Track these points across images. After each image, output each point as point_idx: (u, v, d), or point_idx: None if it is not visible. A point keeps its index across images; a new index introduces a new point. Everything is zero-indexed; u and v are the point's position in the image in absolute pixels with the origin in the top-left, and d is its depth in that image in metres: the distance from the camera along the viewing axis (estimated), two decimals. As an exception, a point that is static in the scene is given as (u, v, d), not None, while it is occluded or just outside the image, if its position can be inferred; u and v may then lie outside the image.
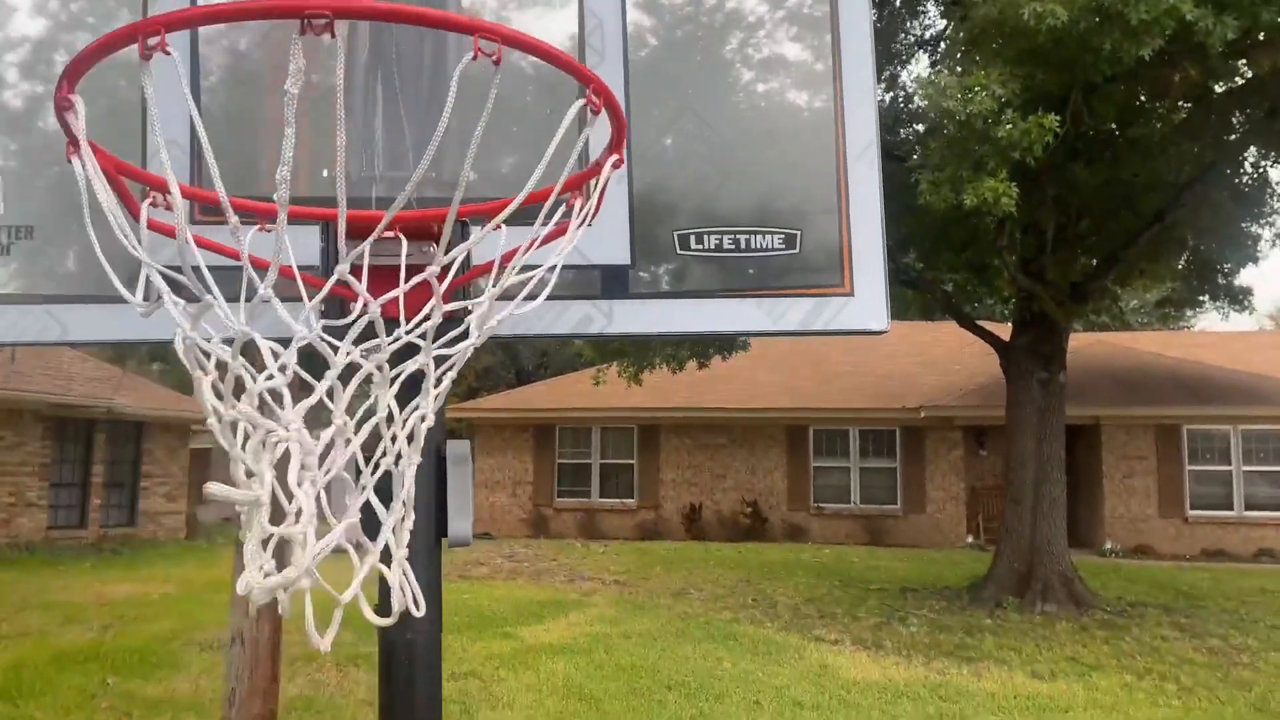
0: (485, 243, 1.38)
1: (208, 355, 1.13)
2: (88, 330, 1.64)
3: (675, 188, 1.56)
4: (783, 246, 1.71)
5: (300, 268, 1.40)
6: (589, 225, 1.34)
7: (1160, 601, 12.69)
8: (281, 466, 1.16)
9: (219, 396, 1.08)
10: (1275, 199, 12.42)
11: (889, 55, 12.80)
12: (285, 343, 1.15)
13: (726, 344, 14.68)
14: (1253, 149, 10.81)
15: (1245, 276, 17.95)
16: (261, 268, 1.18)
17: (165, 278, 1.23)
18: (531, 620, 10.59)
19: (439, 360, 1.25)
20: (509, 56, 1.20)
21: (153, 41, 1.04)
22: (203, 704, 6.91)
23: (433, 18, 1.16)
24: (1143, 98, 9.16)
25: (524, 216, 1.33)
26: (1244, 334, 27.79)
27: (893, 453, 20.69)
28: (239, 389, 1.07)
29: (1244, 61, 8.27)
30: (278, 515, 1.12)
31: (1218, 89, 8.47)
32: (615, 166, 1.31)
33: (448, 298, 1.34)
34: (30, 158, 1.63)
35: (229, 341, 1.10)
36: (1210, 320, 33.44)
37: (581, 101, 1.23)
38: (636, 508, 21.46)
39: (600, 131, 1.36)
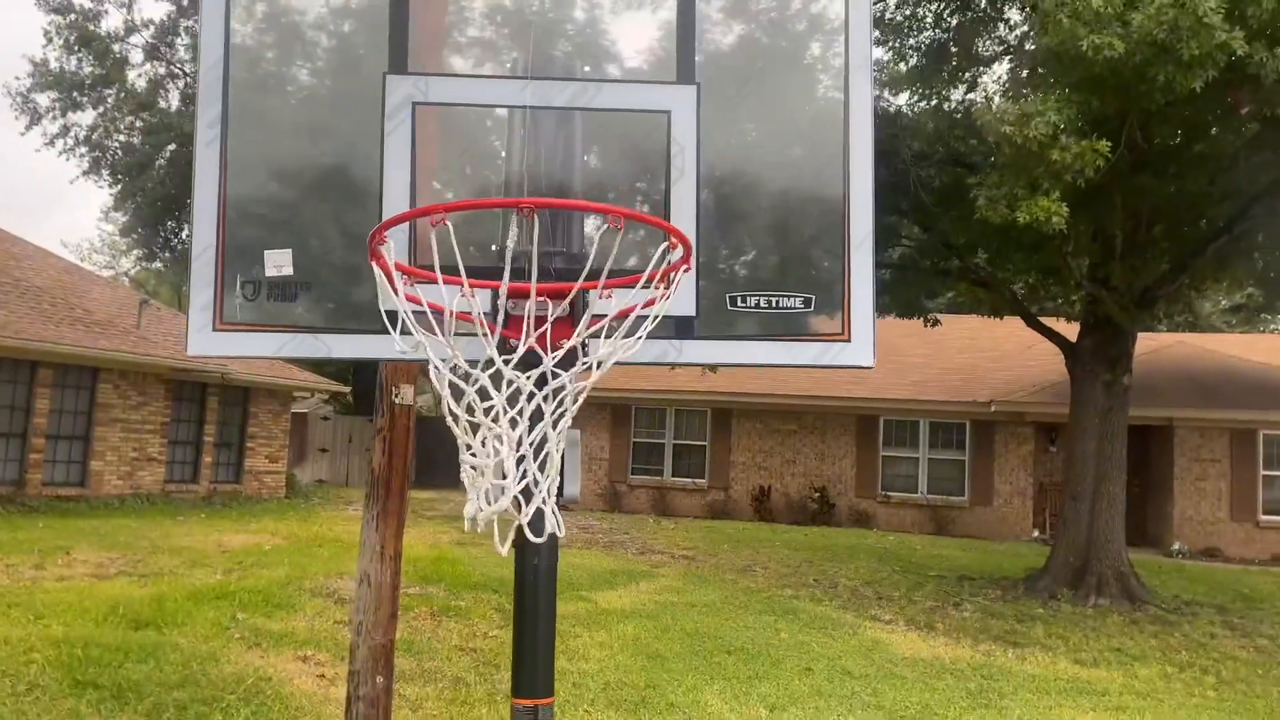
0: (600, 305, 2.13)
1: (460, 381, 1.91)
2: (343, 350, 2.44)
3: (728, 265, 2.27)
4: (802, 306, 2.43)
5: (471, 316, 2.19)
6: (666, 300, 2.08)
7: (1217, 602, 12.95)
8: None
9: (459, 407, 1.86)
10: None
11: (970, 58, 13.16)
12: (472, 366, 1.92)
13: (670, 363, 15.24)
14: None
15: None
16: (463, 319, 1.95)
17: (401, 322, 2.02)
18: (604, 586, 11.42)
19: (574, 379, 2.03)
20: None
21: (436, 218, 1.80)
22: (318, 639, 7.89)
23: (591, 208, 1.92)
24: (1206, 117, 9.46)
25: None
26: (1334, 339, 27.17)
27: (962, 445, 21.03)
28: (457, 397, 1.84)
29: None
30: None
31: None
32: (685, 271, 2.06)
33: (572, 339, 2.10)
34: (312, 236, 2.42)
35: (461, 370, 1.88)
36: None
37: (667, 244, 1.97)
38: (707, 487, 22.21)
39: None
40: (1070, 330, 13.90)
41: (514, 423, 1.88)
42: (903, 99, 12.57)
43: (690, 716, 6.61)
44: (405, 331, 1.95)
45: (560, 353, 2.00)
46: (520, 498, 1.96)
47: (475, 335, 2.09)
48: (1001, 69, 13.31)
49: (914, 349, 22.67)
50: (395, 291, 2.00)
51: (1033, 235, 10.51)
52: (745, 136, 2.49)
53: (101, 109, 28.25)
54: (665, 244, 2.01)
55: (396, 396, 5.28)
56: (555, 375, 1.98)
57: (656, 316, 2.05)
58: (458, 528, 16.95)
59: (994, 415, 20.35)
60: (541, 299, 2.03)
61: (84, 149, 28.44)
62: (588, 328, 2.06)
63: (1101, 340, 12.72)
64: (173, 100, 29.53)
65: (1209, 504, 19.14)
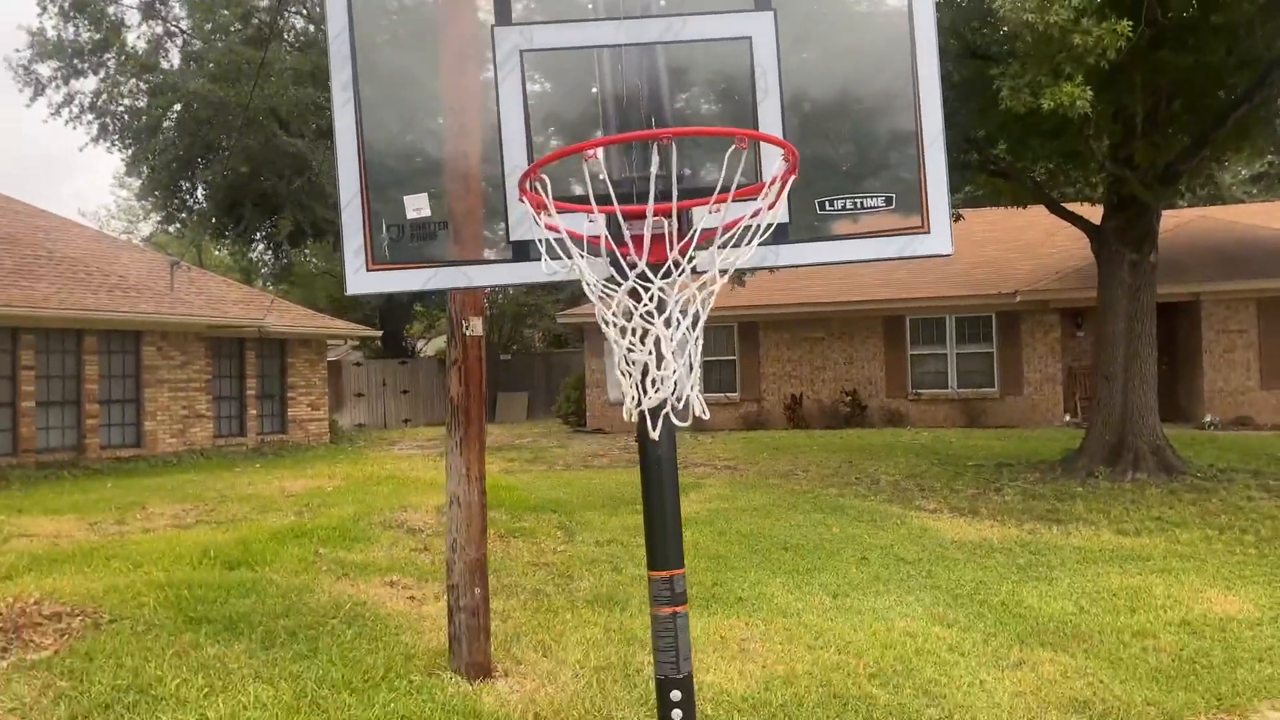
0: (710, 219, 2.41)
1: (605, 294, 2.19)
2: (483, 279, 2.72)
3: (815, 172, 2.51)
4: (884, 205, 2.68)
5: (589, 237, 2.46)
6: (774, 209, 2.34)
7: (1252, 467, 13.28)
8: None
9: (615, 314, 2.14)
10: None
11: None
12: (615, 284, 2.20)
13: (769, 266, 15.41)
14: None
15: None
16: (593, 243, 2.22)
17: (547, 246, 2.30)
18: (657, 499, 11.87)
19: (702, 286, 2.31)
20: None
21: (590, 154, 2.06)
22: (400, 566, 8.35)
23: (721, 133, 2.18)
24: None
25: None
26: (1358, 201, 26.95)
27: (989, 338, 21.26)
28: (626, 310, 2.13)
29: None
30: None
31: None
32: (794, 179, 2.31)
33: (685, 253, 2.38)
34: (447, 180, 2.69)
35: (613, 282, 2.16)
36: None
37: (782, 155, 2.22)
38: (740, 400, 22.61)
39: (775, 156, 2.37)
40: (1093, 214, 13.99)
41: (667, 323, 2.17)
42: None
43: (759, 608, 7.02)
44: (555, 256, 2.23)
45: (692, 262, 2.26)
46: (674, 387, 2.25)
47: (598, 257, 2.36)
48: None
49: (935, 246, 22.72)
50: (543, 223, 2.27)
51: (1054, 121, 10.56)
52: (819, 52, 2.70)
53: (103, 74, 28.21)
54: (775, 159, 2.26)
55: (467, 329, 5.58)
56: (688, 280, 2.25)
57: (770, 225, 2.32)
58: (503, 457, 17.45)
59: (1019, 305, 20.53)
60: (658, 218, 2.29)
61: (90, 116, 28.49)
62: (701, 239, 2.32)
63: (1126, 220, 12.82)
64: (174, 59, 29.43)
65: (1238, 374, 19.35)
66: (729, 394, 22.78)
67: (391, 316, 34.36)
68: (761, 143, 2.32)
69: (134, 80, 28.53)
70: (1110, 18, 7.78)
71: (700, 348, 2.37)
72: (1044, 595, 7.36)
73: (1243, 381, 19.34)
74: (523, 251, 2.52)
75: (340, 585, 7.66)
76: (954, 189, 14.90)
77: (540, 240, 2.31)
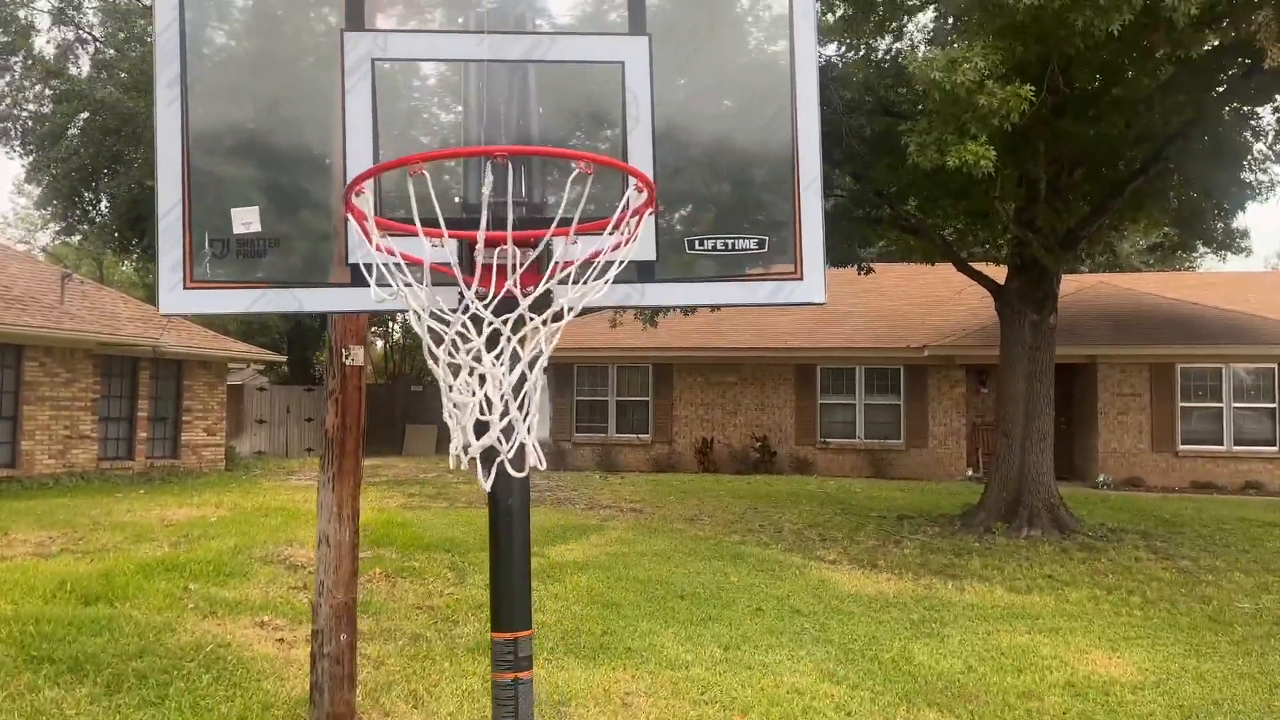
0: (561, 249, 2.22)
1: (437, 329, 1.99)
2: (316, 304, 2.48)
3: (685, 210, 2.37)
4: (756, 247, 2.54)
5: (447, 266, 2.26)
6: (633, 243, 2.17)
7: (1141, 528, 13.60)
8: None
9: (439, 349, 1.94)
10: (1266, 147, 13.00)
11: (895, 7, 13.32)
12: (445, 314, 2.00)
13: (634, 306, 15.45)
14: (1233, 104, 11.40)
15: (1244, 220, 18.52)
16: (435, 269, 2.02)
17: (377, 272, 2.09)
18: (556, 541, 11.58)
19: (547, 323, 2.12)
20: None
21: (415, 169, 1.86)
22: (274, 605, 7.91)
23: (563, 154, 2.00)
24: (1123, 61, 9.77)
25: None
26: (1242, 275, 28.31)
27: (897, 390, 21.58)
28: (437, 341, 1.93)
29: (1211, 32, 8.87)
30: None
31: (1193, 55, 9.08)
32: (650, 213, 2.14)
33: (527, 285, 2.20)
34: (278, 193, 2.46)
35: (439, 315, 1.96)
36: (1211, 262, 33.91)
37: (634, 186, 2.06)
38: (651, 442, 22.48)
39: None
40: (998, 274, 14.32)
41: (498, 360, 1.98)
42: (831, 49, 12.73)
43: (647, 660, 6.81)
44: (382, 283, 2.02)
45: (532, 297, 2.09)
46: (501, 435, 2.05)
47: (446, 285, 2.16)
48: (926, 18, 13.51)
49: (848, 297, 23.09)
50: (371, 242, 2.06)
51: (961, 180, 10.77)
52: (695, 84, 2.57)
53: (8, 78, 27.06)
54: (629, 190, 2.10)
55: (347, 357, 5.30)
56: (529, 318, 2.07)
57: (623, 261, 2.15)
58: (404, 491, 16.95)
59: (927, 359, 20.90)
60: (508, 248, 2.11)
61: (-10, 120, 27.25)
62: (555, 273, 2.14)
63: (1028, 282, 13.14)
64: (83, 66, 28.41)
65: (1131, 436, 19.96)
66: (640, 435, 22.64)
67: (300, 342, 33.46)
68: (629, 175, 2.17)
69: (40, 85, 27.44)
70: (1015, 82, 7.97)
71: (541, 390, 2.18)
72: (935, 652, 7.30)
73: (1135, 444, 19.95)
74: (361, 276, 2.31)
75: (206, 625, 7.21)
76: (865, 243, 15.17)
77: (381, 265, 2.10)
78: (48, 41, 28.09)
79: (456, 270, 2.06)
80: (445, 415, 2.04)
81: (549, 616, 8.00)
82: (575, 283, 2.15)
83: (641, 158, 2.37)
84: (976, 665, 6.98)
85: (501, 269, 2.08)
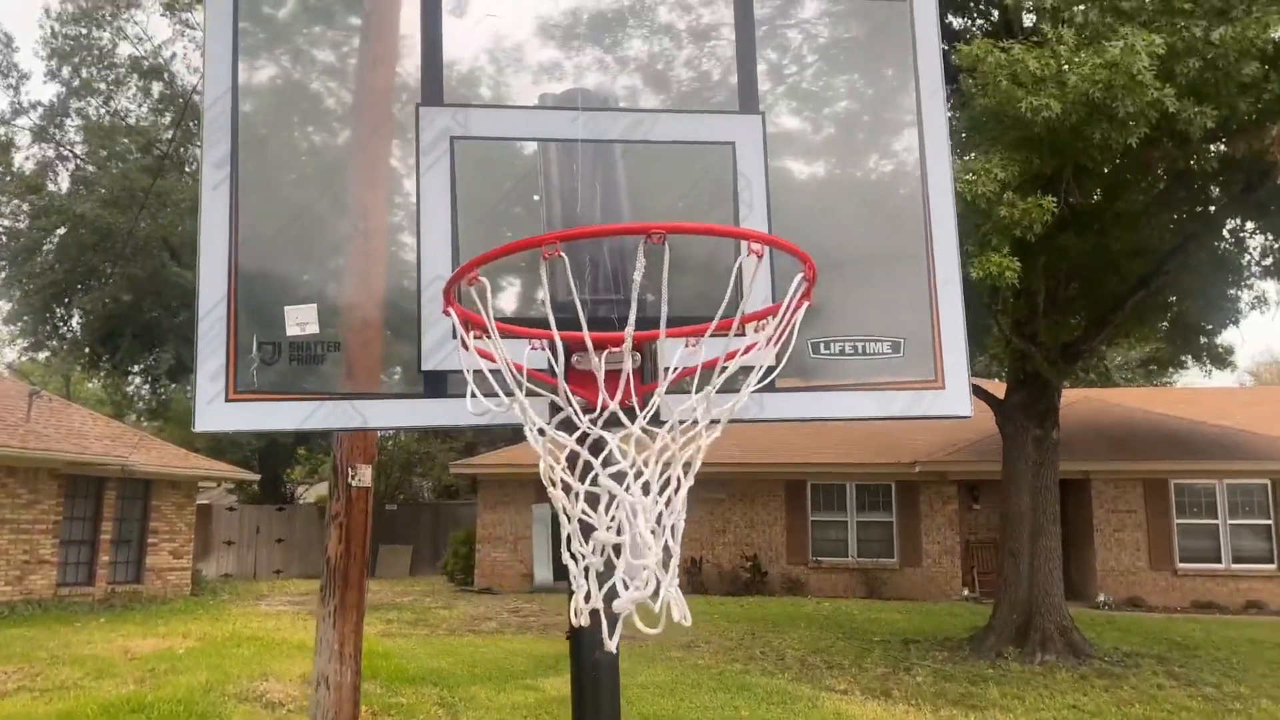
0: (671, 353, 1.88)
1: (556, 443, 1.61)
2: (382, 419, 2.10)
3: (810, 306, 2.05)
4: (891, 351, 2.22)
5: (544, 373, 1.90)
6: (779, 345, 1.85)
7: (1155, 652, 13.09)
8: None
9: (573, 476, 1.57)
10: (1253, 265, 13.11)
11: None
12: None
13: (751, 419, 15.17)
14: (1229, 220, 11.52)
15: (1226, 336, 18.64)
16: (534, 377, 1.66)
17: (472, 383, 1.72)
18: (549, 672, 10.89)
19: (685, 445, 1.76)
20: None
21: (549, 250, 1.54)
22: (253, 752, 7.21)
23: (716, 231, 1.70)
24: (1127, 175, 9.83)
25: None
26: (1226, 390, 28.50)
27: (889, 507, 21.13)
28: (585, 469, 1.55)
29: (1223, 144, 8.96)
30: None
31: (1195, 168, 9.15)
32: (807, 304, 1.83)
33: (650, 395, 1.84)
34: (341, 289, 2.11)
35: (567, 428, 1.59)
36: (1192, 377, 34.27)
37: (801, 275, 1.74)
38: (637, 562, 21.74)
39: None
40: (997, 389, 14.14)
41: (646, 489, 1.61)
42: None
43: (668, 810, 6.19)
44: (491, 393, 1.66)
45: (651, 410, 1.74)
46: (628, 579, 1.66)
47: (538, 395, 1.80)
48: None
49: (835, 413, 22.82)
50: (478, 349, 1.71)
51: (965, 292, 10.69)
52: (815, 166, 2.29)
53: (-15, 192, 26.92)
54: (800, 275, 1.77)
55: (353, 478, 4.88)
56: (657, 431, 1.71)
57: (768, 368, 1.81)
58: (381, 617, 16.11)
59: (918, 475, 20.54)
60: (616, 350, 1.77)
61: (-36, 234, 26.98)
62: (674, 379, 1.80)
63: (1029, 396, 12.95)
64: (62, 183, 28.38)
65: (1128, 554, 19.56)
66: (625, 556, 21.92)
67: (271, 459, 32.61)
68: (741, 273, 1.84)
69: (17, 200, 27.30)
70: (1035, 194, 7.91)
71: (679, 530, 1.80)
72: (974, 797, 6.73)
73: (1133, 562, 19.54)
74: (437, 385, 1.95)
75: (177, 776, 6.52)
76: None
77: (467, 370, 1.75)
78: (27, 158, 28.00)
79: (560, 378, 1.72)
80: (566, 556, 1.65)
81: (554, 760, 7.35)
82: (708, 391, 1.79)
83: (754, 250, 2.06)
84: (1024, 812, 6.41)
85: (613, 377, 1.73)
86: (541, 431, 1.66)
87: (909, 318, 2.24)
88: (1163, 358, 16.86)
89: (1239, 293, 13.56)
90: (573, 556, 1.68)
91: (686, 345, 1.82)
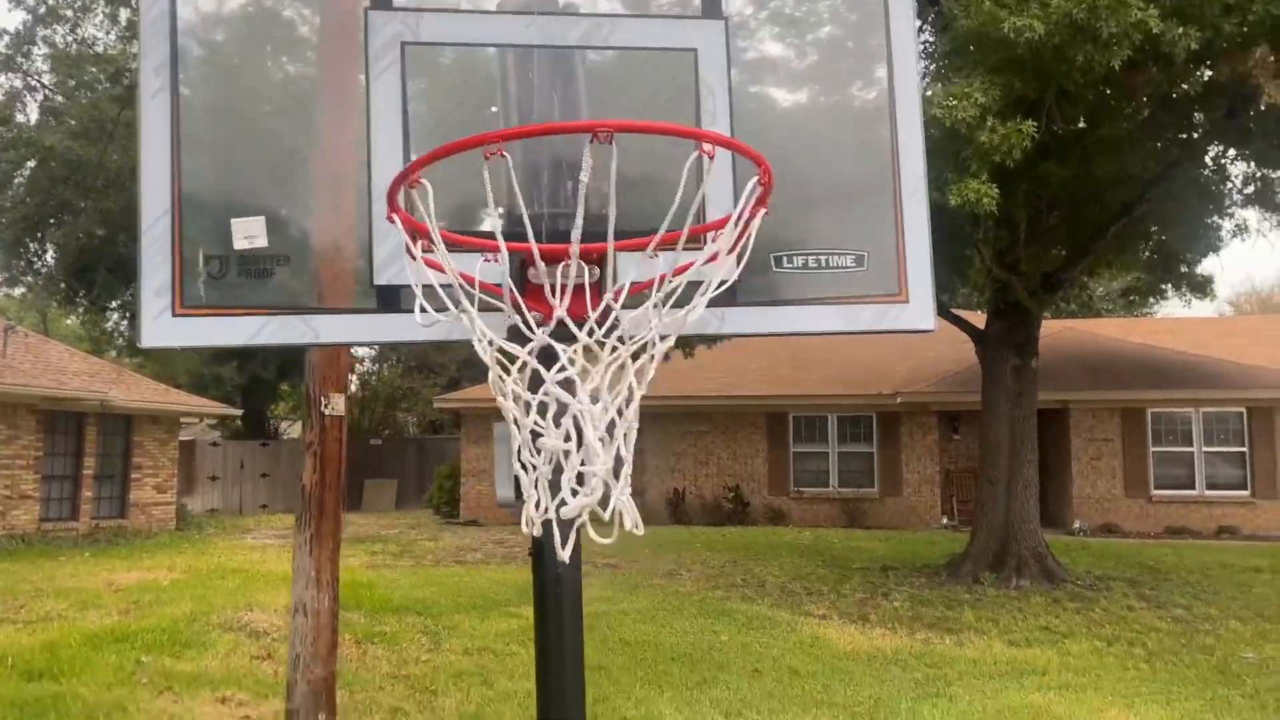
0: (630, 267, 1.84)
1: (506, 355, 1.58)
2: (334, 334, 2.06)
3: (771, 220, 2.00)
4: (854, 265, 2.18)
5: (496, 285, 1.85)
6: (735, 256, 1.80)
7: (1127, 575, 13.35)
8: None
9: (518, 385, 1.54)
10: (1235, 193, 13.09)
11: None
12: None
13: (712, 335, 15.16)
14: (1212, 147, 11.45)
15: (1206, 265, 18.73)
16: (486, 289, 1.62)
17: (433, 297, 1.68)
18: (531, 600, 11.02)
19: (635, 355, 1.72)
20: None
21: (490, 150, 1.48)
22: (237, 677, 7.30)
23: (666, 129, 1.63)
24: (1110, 100, 9.73)
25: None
26: (1204, 320, 28.71)
27: (870, 437, 21.32)
28: (535, 379, 1.52)
29: (1207, 68, 8.85)
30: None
31: (1178, 93, 9.06)
32: (764, 213, 1.77)
33: (608, 307, 1.81)
34: (289, 200, 2.05)
35: (519, 341, 1.55)
36: (1172, 307, 34.50)
37: (756, 179, 1.69)
38: (620, 494, 21.94)
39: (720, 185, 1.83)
40: (977, 320, 14.18)
41: (595, 396, 1.57)
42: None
43: (647, 730, 6.32)
44: (444, 308, 1.60)
45: (610, 325, 1.70)
46: (578, 487, 1.64)
47: (491, 311, 1.76)
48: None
49: (818, 345, 22.90)
50: (417, 255, 1.66)
51: (942, 224, 10.63)
52: (779, 77, 2.23)
53: (-49, 125, 26.25)
54: (754, 180, 1.71)
55: (326, 407, 4.85)
56: (610, 344, 1.67)
57: (723, 282, 1.76)
58: (366, 549, 16.24)
59: (899, 407, 20.69)
60: (568, 264, 1.72)
61: (-67, 167, 26.38)
62: (624, 294, 1.76)
63: (1009, 326, 12.98)
64: (31, 114, 27.70)
65: (1104, 482, 19.85)
66: (609, 487, 22.10)
67: (255, 395, 32.51)
68: (703, 191, 1.78)
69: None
70: (1014, 119, 7.81)
71: (632, 439, 1.77)
72: (945, 715, 6.91)
73: (1109, 489, 19.84)
74: (391, 299, 1.91)
75: (161, 702, 6.59)
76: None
77: (415, 283, 1.70)
78: (-6, 90, 27.29)
79: (509, 290, 1.67)
80: (515, 466, 1.62)
81: (533, 683, 7.46)
82: (660, 306, 1.75)
83: (720, 160, 1.99)
84: (994, 728, 6.58)
85: (573, 292, 1.69)
86: (491, 343, 1.61)
87: (873, 231, 2.20)
88: (1143, 287, 16.90)
89: (1220, 221, 13.55)
90: (524, 467, 1.66)
91: (648, 257, 1.77)
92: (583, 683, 2.05)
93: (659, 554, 15.60)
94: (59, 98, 27.15)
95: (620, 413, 1.67)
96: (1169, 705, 7.28)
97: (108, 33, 28.10)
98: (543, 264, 1.68)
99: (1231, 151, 11.56)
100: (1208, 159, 11.80)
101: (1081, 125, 9.99)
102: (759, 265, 2.12)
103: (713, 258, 1.79)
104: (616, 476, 1.66)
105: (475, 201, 1.69)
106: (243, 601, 10.19)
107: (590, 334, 1.73)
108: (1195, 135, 11.02)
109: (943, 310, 14.09)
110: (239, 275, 1.97)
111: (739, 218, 1.75)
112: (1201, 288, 15.86)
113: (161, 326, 1.96)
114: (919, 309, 2.20)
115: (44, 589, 11.25)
